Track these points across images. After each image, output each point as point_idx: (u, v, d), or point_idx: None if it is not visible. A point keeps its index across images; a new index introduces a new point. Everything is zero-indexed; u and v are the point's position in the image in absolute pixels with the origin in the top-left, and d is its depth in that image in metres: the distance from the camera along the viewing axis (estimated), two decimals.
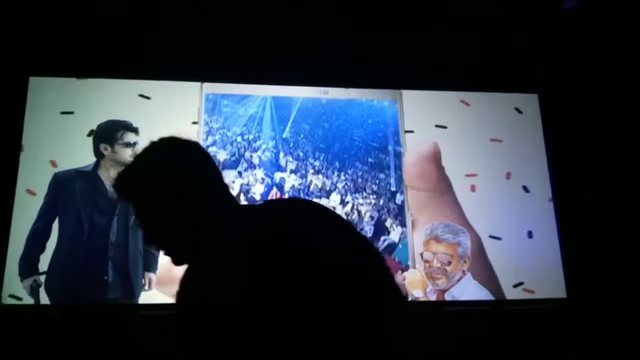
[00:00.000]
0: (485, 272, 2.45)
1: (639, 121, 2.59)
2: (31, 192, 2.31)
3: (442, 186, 2.54)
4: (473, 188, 2.55)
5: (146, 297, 2.26)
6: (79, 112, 2.44)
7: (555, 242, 2.53)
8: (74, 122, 2.42)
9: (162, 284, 2.26)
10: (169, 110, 2.48)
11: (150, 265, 2.30)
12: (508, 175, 2.60)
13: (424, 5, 2.59)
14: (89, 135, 2.41)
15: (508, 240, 2.51)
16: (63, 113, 2.42)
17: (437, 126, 2.62)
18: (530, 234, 2.53)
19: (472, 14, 2.60)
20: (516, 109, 2.72)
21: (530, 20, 2.67)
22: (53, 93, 2.44)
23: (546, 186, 2.61)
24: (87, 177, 2.36)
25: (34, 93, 2.43)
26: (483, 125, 2.66)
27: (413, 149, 2.58)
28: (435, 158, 2.58)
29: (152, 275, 2.28)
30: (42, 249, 2.26)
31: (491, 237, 2.49)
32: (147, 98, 2.47)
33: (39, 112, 2.41)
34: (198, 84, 2.53)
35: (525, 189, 2.60)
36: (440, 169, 2.57)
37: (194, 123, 2.48)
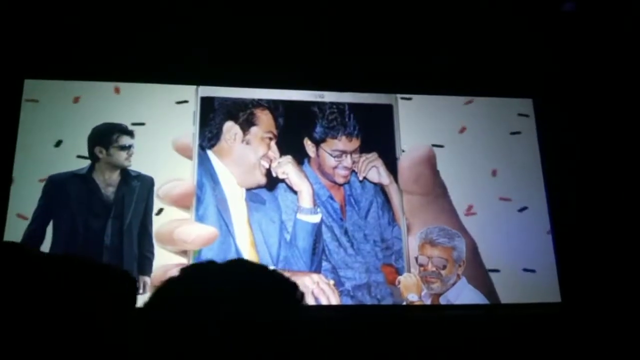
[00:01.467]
0: (480, 276, 2.45)
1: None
2: (22, 217, 2.28)
3: (437, 190, 2.54)
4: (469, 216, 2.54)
5: (141, 301, 2.24)
6: (71, 132, 2.40)
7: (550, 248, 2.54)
8: (65, 146, 2.40)
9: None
10: (165, 113, 2.48)
11: (145, 268, 2.29)
12: (505, 202, 2.57)
13: (421, 7, 2.61)
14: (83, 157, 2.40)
15: (504, 272, 2.48)
16: (57, 144, 2.38)
17: (435, 145, 2.61)
18: (528, 269, 2.50)
19: (469, 16, 2.63)
20: (514, 132, 2.69)
21: (528, 21, 2.70)
22: (45, 115, 2.40)
23: (545, 216, 2.58)
24: (82, 180, 2.35)
25: (26, 117, 2.38)
26: (482, 151, 2.63)
27: (408, 153, 2.58)
28: (430, 162, 2.58)
29: (146, 278, 2.27)
30: None
31: (490, 270, 2.47)
32: (142, 124, 2.45)
33: (30, 138, 2.37)
34: (193, 87, 2.53)
35: (524, 219, 2.56)
36: (435, 173, 2.57)
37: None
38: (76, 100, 2.44)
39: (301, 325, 0.72)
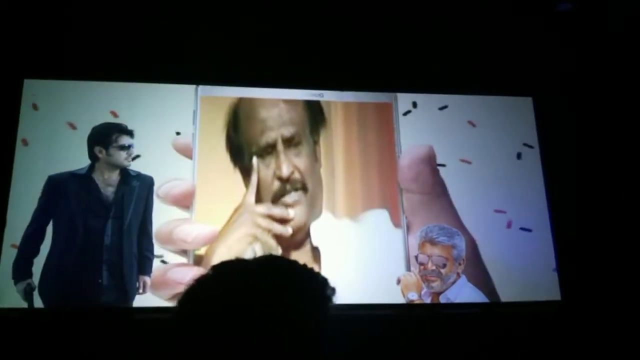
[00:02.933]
0: (479, 275, 2.46)
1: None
2: (16, 247, 2.26)
3: (437, 189, 2.54)
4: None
5: (140, 301, 2.26)
6: (70, 161, 2.38)
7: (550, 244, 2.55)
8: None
9: (157, 287, 2.25)
10: (164, 113, 2.48)
11: (145, 268, 2.29)
12: (509, 226, 2.56)
13: (419, 6, 2.62)
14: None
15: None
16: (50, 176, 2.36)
17: (439, 165, 2.59)
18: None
19: (468, 14, 2.63)
20: (518, 154, 2.66)
21: (526, 22, 2.70)
22: (42, 146, 2.37)
23: (545, 217, 2.58)
24: (82, 179, 2.35)
25: (21, 150, 2.36)
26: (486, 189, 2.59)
27: (408, 151, 2.58)
28: (430, 161, 2.58)
29: (146, 278, 2.27)
30: (37, 252, 2.25)
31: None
32: (138, 157, 2.41)
33: (25, 169, 2.34)
34: (193, 86, 2.52)
35: (529, 248, 2.54)
36: (435, 171, 2.57)
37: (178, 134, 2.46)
38: (72, 127, 2.41)
39: (331, 321, 0.76)
